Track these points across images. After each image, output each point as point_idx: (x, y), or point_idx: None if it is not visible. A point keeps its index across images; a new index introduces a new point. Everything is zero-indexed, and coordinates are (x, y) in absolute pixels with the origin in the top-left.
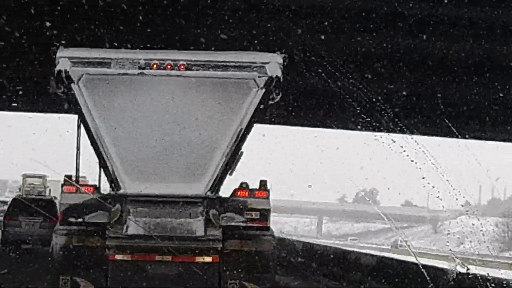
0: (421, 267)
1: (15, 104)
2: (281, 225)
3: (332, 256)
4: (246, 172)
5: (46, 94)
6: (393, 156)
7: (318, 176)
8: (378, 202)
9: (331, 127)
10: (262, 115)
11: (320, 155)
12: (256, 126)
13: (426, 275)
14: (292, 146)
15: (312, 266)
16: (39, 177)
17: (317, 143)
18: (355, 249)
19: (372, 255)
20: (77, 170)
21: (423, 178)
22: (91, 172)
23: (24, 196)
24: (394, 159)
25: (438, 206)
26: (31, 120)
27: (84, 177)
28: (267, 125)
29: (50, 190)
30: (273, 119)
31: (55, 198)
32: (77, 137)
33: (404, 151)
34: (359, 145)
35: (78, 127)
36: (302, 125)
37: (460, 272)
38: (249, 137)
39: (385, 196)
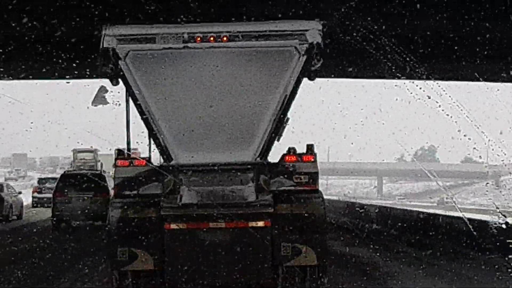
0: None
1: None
2: (340, 188)
3: (413, 222)
4: (305, 136)
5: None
6: (452, 112)
7: (376, 135)
8: (437, 159)
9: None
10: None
11: (377, 115)
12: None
13: None
14: (347, 108)
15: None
16: (90, 151)
17: (373, 103)
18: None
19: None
20: (128, 143)
21: (482, 132)
22: (140, 144)
23: (73, 171)
24: (452, 115)
25: (499, 161)
26: (77, 92)
27: (135, 149)
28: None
29: (101, 164)
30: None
31: (104, 172)
32: (126, 110)
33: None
34: (414, 103)
35: (127, 101)
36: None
37: None
38: (295, 103)
39: (444, 153)
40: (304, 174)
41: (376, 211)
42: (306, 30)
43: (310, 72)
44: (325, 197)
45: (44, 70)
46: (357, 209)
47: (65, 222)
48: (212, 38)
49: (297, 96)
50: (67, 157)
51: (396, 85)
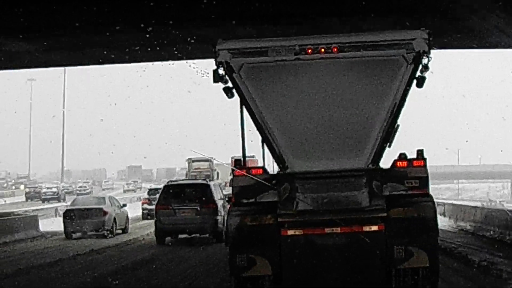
0: None
1: None
2: (472, 192)
3: None
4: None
5: None
6: None
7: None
8: None
9: None
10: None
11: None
12: None
13: None
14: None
15: None
16: (205, 160)
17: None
18: None
19: None
20: (243, 152)
21: None
22: (256, 152)
23: (176, 181)
24: None
25: None
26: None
27: (253, 156)
28: None
29: (218, 174)
30: None
31: (220, 182)
32: (241, 121)
33: None
34: None
35: (241, 112)
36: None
37: None
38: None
39: None
40: (415, 179)
41: None
42: (413, 39)
43: (418, 79)
44: (460, 203)
45: None
46: None
47: (169, 236)
48: (322, 50)
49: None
50: (184, 168)
51: None
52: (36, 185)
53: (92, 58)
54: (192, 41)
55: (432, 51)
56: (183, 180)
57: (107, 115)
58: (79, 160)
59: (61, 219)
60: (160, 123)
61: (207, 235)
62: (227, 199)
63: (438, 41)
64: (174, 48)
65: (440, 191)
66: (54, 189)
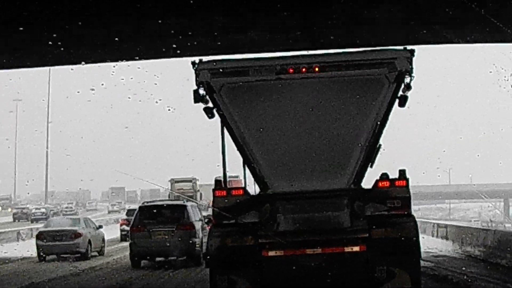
0: None
1: None
2: (463, 212)
3: None
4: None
5: None
6: None
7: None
8: None
9: None
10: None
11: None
12: None
13: None
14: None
15: None
16: (188, 181)
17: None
18: None
19: None
20: (224, 173)
21: None
22: (237, 172)
23: (151, 202)
24: None
25: None
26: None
27: (237, 176)
28: None
29: (201, 195)
30: None
31: (201, 203)
32: (222, 141)
33: None
34: None
35: (222, 132)
36: None
37: None
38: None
39: None
40: (397, 199)
41: None
42: (395, 59)
43: (401, 99)
44: (450, 223)
45: None
46: None
47: (145, 259)
48: (304, 69)
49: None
50: (168, 189)
51: None
52: (24, 206)
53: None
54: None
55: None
56: (159, 200)
57: (89, 135)
58: (63, 181)
59: (23, 243)
60: (141, 144)
61: (184, 257)
62: (206, 220)
63: None
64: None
65: (431, 211)
66: (43, 210)
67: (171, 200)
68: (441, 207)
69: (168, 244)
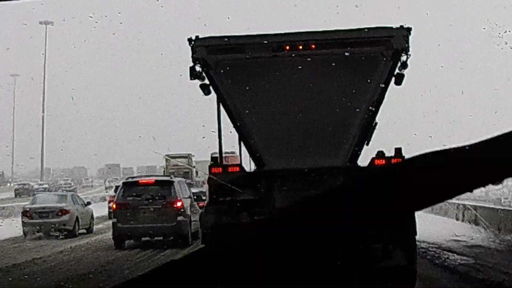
0: None
1: None
2: (479, 191)
3: None
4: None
5: None
6: None
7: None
8: None
9: None
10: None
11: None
12: None
13: None
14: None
15: None
16: (183, 157)
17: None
18: None
19: None
20: (220, 149)
21: None
22: (233, 149)
23: (136, 178)
24: None
25: None
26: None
27: (233, 152)
28: None
29: (197, 172)
30: None
31: (197, 179)
32: (218, 118)
33: None
34: None
35: (218, 108)
36: None
37: None
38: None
39: None
40: None
41: None
42: (392, 36)
43: (397, 77)
44: (480, 204)
45: None
46: None
47: (129, 239)
48: (300, 47)
49: None
50: (164, 166)
51: None
52: (25, 182)
53: None
54: None
55: None
56: (144, 176)
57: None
58: (58, 158)
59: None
60: (136, 118)
61: (171, 238)
62: (195, 197)
63: None
64: None
65: None
66: (46, 185)
67: (157, 175)
68: None
69: (153, 223)
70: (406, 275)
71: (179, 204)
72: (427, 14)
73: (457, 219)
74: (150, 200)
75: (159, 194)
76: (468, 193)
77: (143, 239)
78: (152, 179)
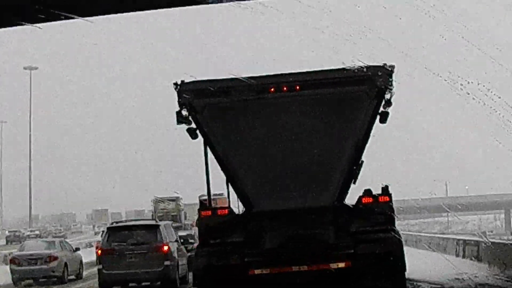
0: None
1: None
2: (462, 225)
3: None
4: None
5: None
6: None
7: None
8: None
9: None
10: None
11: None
12: None
13: None
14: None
15: None
16: (171, 200)
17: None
18: None
19: None
20: (209, 192)
21: None
22: (221, 190)
23: (120, 222)
24: None
25: None
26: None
27: (221, 194)
28: None
29: (185, 214)
30: None
31: (186, 223)
32: (205, 161)
33: None
34: None
35: (205, 151)
36: None
37: None
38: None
39: None
40: (381, 215)
41: None
42: (375, 75)
43: (382, 115)
44: (481, 239)
45: None
46: None
47: (116, 285)
48: (285, 88)
49: None
50: (152, 210)
51: None
52: (16, 230)
53: None
54: None
55: None
56: (129, 220)
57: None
58: (47, 204)
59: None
60: (124, 162)
61: (159, 283)
62: (182, 240)
63: None
64: None
65: (428, 225)
66: (37, 232)
67: (143, 219)
68: (439, 220)
69: (140, 269)
70: None
71: (165, 248)
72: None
73: (457, 255)
74: (136, 245)
75: (145, 238)
76: (462, 227)
77: (130, 285)
78: (138, 223)
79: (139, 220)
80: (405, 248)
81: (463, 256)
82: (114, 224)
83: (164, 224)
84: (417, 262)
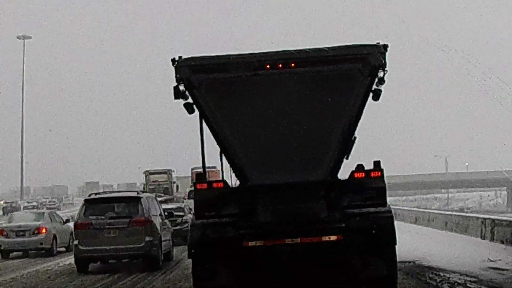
0: None
1: None
2: (462, 202)
3: None
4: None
5: None
6: None
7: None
8: None
9: None
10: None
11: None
12: None
13: None
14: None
15: None
16: (163, 172)
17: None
18: None
19: None
20: (204, 166)
21: None
22: (215, 163)
23: (99, 194)
24: None
25: None
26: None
27: (214, 167)
28: None
29: (177, 186)
30: None
31: (178, 196)
32: (201, 135)
33: None
34: None
35: (201, 126)
36: None
37: None
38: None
39: None
40: (372, 189)
41: None
42: (368, 53)
43: (374, 93)
44: (476, 215)
45: None
46: None
47: (93, 262)
48: (280, 65)
49: None
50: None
51: None
52: (12, 201)
53: None
54: None
55: None
56: (109, 192)
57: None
58: (38, 177)
59: None
60: (116, 134)
61: (140, 259)
62: (166, 213)
63: None
64: None
65: (428, 201)
66: (34, 203)
67: (124, 191)
68: (438, 197)
69: (119, 244)
70: (387, 286)
71: (148, 222)
72: None
73: (483, 238)
74: (115, 219)
75: (125, 211)
76: (462, 203)
77: (109, 261)
78: (118, 195)
79: (120, 192)
80: (417, 227)
81: (491, 239)
82: (93, 196)
83: (146, 196)
84: (437, 246)
